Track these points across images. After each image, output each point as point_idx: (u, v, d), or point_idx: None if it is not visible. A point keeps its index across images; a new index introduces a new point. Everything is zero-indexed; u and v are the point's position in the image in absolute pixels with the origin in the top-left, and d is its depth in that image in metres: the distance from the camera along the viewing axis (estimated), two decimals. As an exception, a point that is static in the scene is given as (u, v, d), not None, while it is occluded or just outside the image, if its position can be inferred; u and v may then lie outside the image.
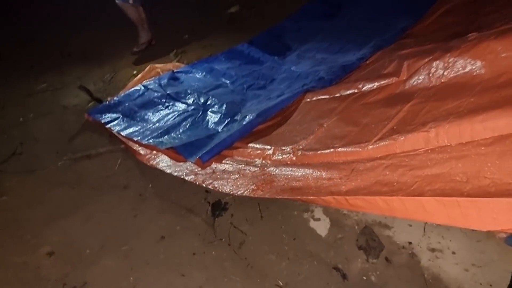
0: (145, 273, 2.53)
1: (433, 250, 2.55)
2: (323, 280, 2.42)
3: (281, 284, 2.46)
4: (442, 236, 2.61)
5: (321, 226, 2.78)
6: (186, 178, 2.99)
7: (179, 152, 3.23)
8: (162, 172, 3.28)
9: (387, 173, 2.14)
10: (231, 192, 2.66)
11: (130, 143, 3.56)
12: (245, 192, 2.60)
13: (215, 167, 3.03)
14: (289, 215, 2.87)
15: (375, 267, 2.50)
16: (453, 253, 2.51)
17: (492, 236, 2.55)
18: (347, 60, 3.93)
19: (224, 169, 2.98)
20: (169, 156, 3.30)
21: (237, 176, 2.79)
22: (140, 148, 3.49)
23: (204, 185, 2.80)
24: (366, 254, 2.58)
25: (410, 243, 2.61)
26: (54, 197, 3.19)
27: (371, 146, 2.38)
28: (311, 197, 2.28)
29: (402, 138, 2.25)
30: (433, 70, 2.66)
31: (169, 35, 5.67)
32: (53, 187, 3.30)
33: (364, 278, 2.46)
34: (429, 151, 2.13)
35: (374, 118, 2.62)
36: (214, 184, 2.79)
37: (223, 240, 2.75)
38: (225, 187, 2.71)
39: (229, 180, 2.77)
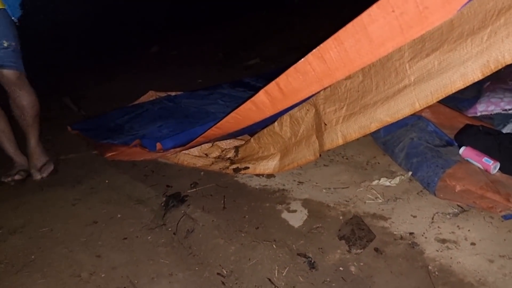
0: (53, 252, 1.95)
1: (443, 241, 1.80)
2: (280, 266, 1.71)
3: (225, 272, 1.77)
4: (457, 226, 1.87)
5: (296, 217, 2.12)
6: (140, 159, 2.51)
7: (144, 145, 2.79)
8: (125, 170, 2.83)
9: None
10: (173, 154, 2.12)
11: (102, 145, 3.19)
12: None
13: (173, 150, 2.54)
14: (258, 206, 2.24)
15: (358, 258, 1.78)
16: (473, 244, 1.75)
17: (532, 226, 1.78)
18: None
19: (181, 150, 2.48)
20: (134, 151, 2.86)
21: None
22: (110, 147, 3.10)
23: (151, 158, 2.29)
24: (349, 245, 1.87)
25: (411, 233, 1.88)
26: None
27: None
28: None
29: None
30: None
31: (184, 81, 5.54)
32: (3, 184, 2.87)
33: (341, 268, 1.72)
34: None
35: None
36: (161, 156, 2.27)
37: (169, 229, 2.14)
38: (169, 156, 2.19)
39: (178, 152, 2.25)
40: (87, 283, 1.71)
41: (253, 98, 1.70)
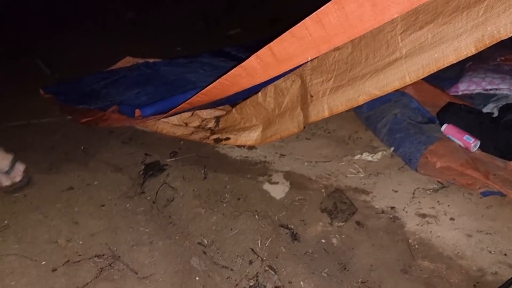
0: (27, 217, 1.86)
1: (423, 215, 1.82)
2: (263, 236, 1.70)
3: (206, 242, 1.74)
4: (437, 201, 1.89)
5: (278, 189, 2.10)
6: (118, 125, 2.42)
7: (122, 112, 2.68)
8: (101, 137, 2.73)
9: None
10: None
11: (77, 110, 3.07)
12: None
13: (153, 118, 2.46)
14: (239, 177, 2.21)
15: (340, 230, 1.78)
16: (452, 219, 1.78)
17: (507, 203, 1.81)
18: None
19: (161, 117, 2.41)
20: (111, 117, 2.76)
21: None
22: (85, 112, 2.98)
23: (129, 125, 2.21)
24: (331, 217, 1.87)
25: (392, 207, 1.89)
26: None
27: None
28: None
29: None
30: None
31: (162, 48, 5.33)
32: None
33: (323, 240, 1.72)
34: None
35: None
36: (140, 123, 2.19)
37: (148, 197, 2.09)
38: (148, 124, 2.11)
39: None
40: (64, 250, 1.66)
41: (243, 64, 1.64)
